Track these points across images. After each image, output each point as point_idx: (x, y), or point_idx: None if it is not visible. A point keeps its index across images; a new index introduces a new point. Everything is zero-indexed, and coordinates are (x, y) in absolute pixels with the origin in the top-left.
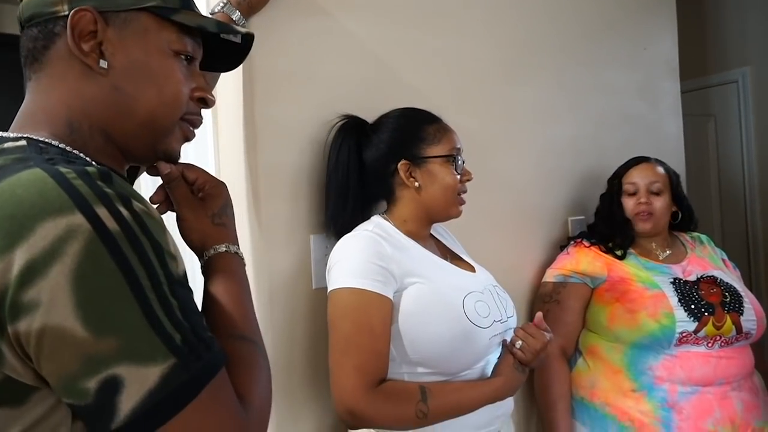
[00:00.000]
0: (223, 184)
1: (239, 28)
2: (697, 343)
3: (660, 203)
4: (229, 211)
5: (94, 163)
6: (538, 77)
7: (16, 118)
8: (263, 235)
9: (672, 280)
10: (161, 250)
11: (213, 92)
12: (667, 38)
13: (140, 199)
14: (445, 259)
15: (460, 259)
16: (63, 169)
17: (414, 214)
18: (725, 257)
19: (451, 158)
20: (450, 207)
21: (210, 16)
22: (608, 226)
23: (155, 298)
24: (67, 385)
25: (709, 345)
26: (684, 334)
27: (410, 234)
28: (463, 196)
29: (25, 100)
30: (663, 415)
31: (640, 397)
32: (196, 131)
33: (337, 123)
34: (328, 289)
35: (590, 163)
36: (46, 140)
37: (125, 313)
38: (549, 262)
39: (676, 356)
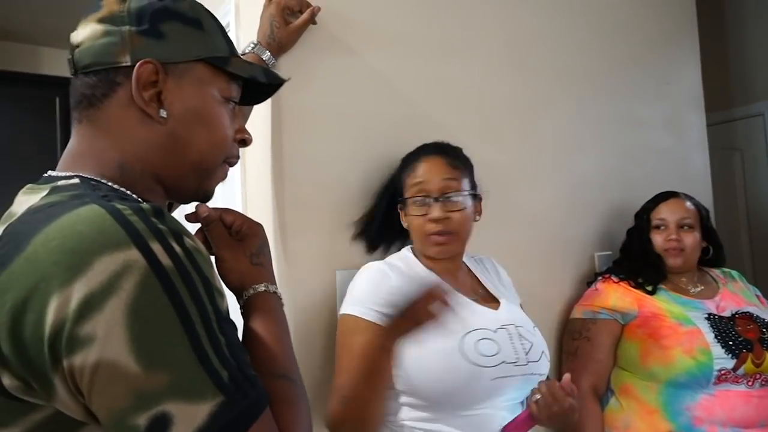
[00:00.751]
0: (259, 225)
1: (283, 77)
2: (737, 382)
3: (690, 239)
4: (266, 251)
5: (141, 200)
6: (563, 110)
7: (62, 158)
8: (289, 270)
9: (707, 315)
10: (210, 286)
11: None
12: (692, 71)
13: (190, 235)
14: (470, 295)
15: (487, 292)
16: (119, 206)
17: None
18: (759, 293)
19: (414, 199)
20: (423, 247)
21: (248, 59)
22: (638, 261)
23: (205, 334)
24: (118, 421)
25: (749, 384)
26: (723, 372)
27: (431, 267)
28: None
29: (72, 142)
30: None
31: None
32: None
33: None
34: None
35: (616, 197)
36: (97, 179)
37: (176, 348)
38: (575, 297)
39: (715, 396)
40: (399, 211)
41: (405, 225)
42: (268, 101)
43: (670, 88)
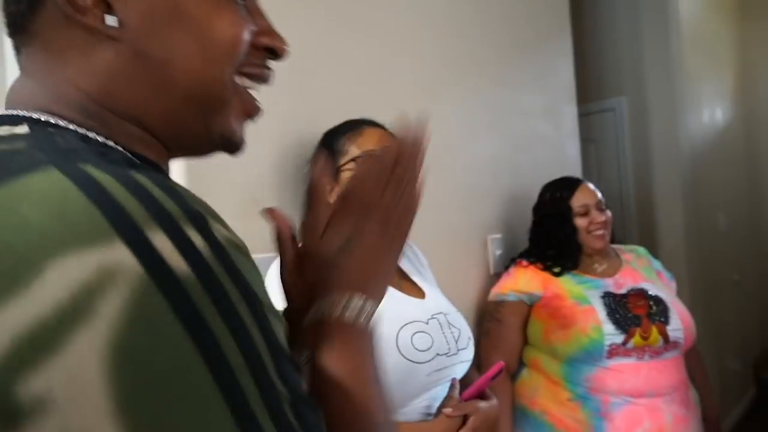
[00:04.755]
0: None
1: None
2: (628, 355)
3: (610, 219)
4: (366, 240)
5: (129, 155)
6: (457, 97)
7: (5, 101)
8: None
9: (603, 294)
10: (258, 302)
11: None
12: (565, 65)
13: (221, 220)
14: (392, 284)
15: (410, 281)
16: (95, 172)
17: None
18: (660, 269)
19: (359, 158)
20: None
21: None
22: (553, 248)
23: (254, 389)
24: None
25: (639, 356)
26: (613, 347)
27: None
28: None
29: (16, 82)
30: (596, 424)
31: (576, 406)
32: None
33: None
34: None
35: (507, 183)
36: (57, 122)
37: (203, 417)
38: (472, 280)
39: (609, 368)
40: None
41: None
42: None
43: (548, 80)
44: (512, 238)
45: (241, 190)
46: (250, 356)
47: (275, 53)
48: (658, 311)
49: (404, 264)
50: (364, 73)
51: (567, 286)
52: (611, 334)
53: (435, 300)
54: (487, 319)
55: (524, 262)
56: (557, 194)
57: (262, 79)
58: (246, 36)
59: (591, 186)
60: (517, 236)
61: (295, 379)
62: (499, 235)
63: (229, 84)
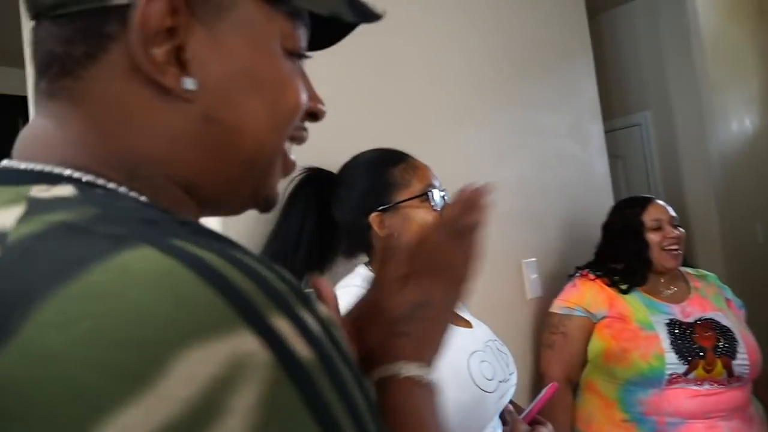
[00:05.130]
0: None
1: (377, 9)
2: (687, 383)
3: (683, 236)
4: (430, 312)
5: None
6: (481, 119)
7: (20, 146)
8: None
9: (668, 321)
10: (359, 375)
11: None
12: (589, 83)
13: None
14: None
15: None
16: (194, 249)
17: None
18: (731, 296)
19: (425, 196)
20: None
21: None
22: (623, 263)
23: None
24: None
25: (699, 383)
26: (674, 376)
27: None
28: None
29: (33, 129)
30: None
31: (631, 427)
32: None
33: (296, 177)
34: None
35: (535, 204)
36: (105, 184)
37: None
38: (508, 306)
39: (665, 392)
40: (371, 220)
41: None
42: None
43: (572, 99)
44: (546, 261)
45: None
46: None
47: (316, 116)
48: (725, 344)
49: None
50: (390, 99)
51: (633, 306)
52: (673, 364)
53: (481, 328)
54: (551, 331)
55: (591, 275)
56: (628, 210)
57: (301, 140)
58: (305, 104)
59: (662, 203)
60: (552, 259)
61: None
62: (533, 259)
63: (281, 149)
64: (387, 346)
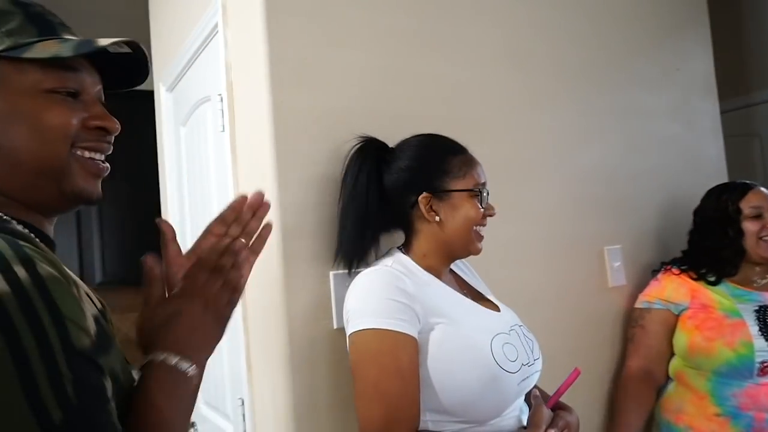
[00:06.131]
0: (189, 295)
1: (101, 41)
2: None
3: None
4: (185, 319)
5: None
6: (564, 104)
7: None
8: (286, 271)
9: (757, 308)
10: (61, 317)
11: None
12: (703, 57)
13: (52, 262)
14: (465, 296)
15: (482, 296)
16: None
17: (434, 249)
18: None
19: (476, 192)
20: (470, 243)
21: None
22: (718, 253)
23: (43, 369)
24: None
25: None
26: (766, 364)
27: (430, 269)
28: (487, 228)
29: None
30: None
31: (725, 422)
32: (108, 165)
33: (355, 145)
34: (349, 331)
35: (621, 190)
36: None
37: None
38: (587, 293)
39: (761, 384)
40: (418, 202)
41: (437, 218)
42: (263, 101)
43: (678, 76)
44: (634, 248)
45: (329, 209)
46: (43, 348)
47: (107, 131)
48: None
49: (470, 280)
50: (457, 92)
51: (717, 297)
52: (763, 351)
53: (509, 312)
54: (631, 325)
55: (675, 270)
56: (724, 196)
57: (99, 150)
58: (75, 122)
59: (765, 190)
60: (642, 247)
61: (86, 372)
62: (617, 246)
63: (66, 156)
64: (155, 340)
